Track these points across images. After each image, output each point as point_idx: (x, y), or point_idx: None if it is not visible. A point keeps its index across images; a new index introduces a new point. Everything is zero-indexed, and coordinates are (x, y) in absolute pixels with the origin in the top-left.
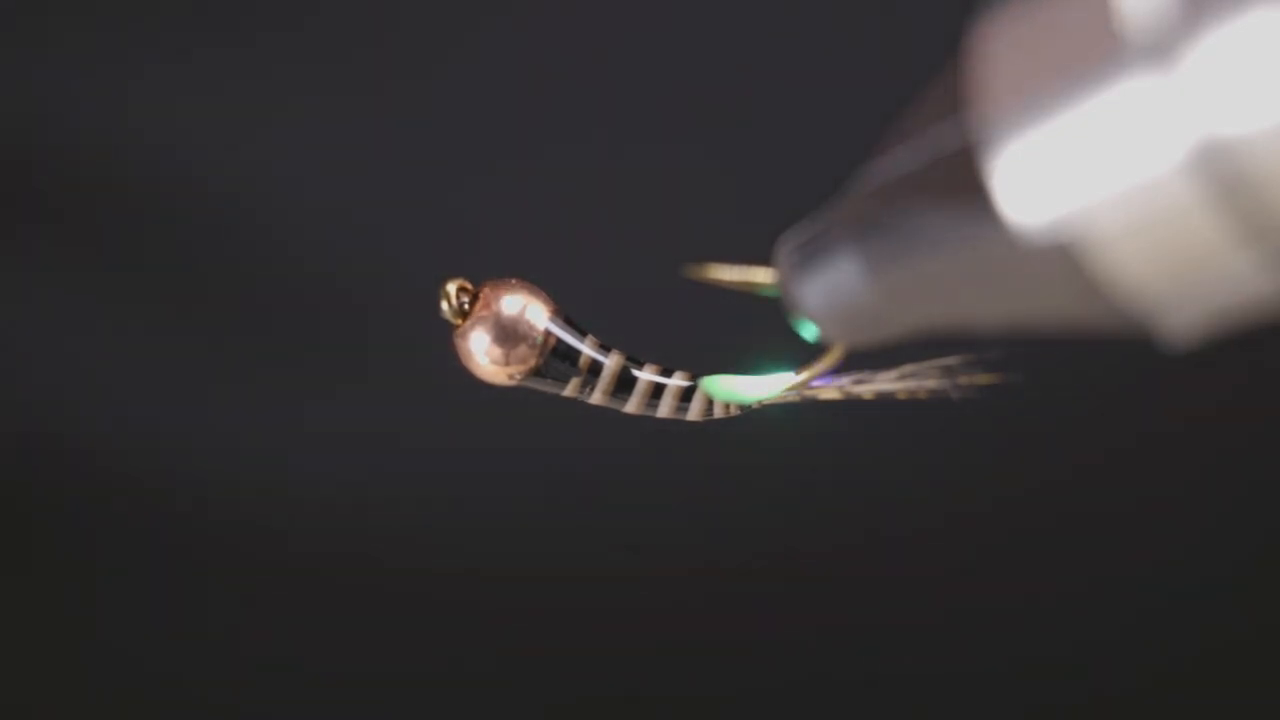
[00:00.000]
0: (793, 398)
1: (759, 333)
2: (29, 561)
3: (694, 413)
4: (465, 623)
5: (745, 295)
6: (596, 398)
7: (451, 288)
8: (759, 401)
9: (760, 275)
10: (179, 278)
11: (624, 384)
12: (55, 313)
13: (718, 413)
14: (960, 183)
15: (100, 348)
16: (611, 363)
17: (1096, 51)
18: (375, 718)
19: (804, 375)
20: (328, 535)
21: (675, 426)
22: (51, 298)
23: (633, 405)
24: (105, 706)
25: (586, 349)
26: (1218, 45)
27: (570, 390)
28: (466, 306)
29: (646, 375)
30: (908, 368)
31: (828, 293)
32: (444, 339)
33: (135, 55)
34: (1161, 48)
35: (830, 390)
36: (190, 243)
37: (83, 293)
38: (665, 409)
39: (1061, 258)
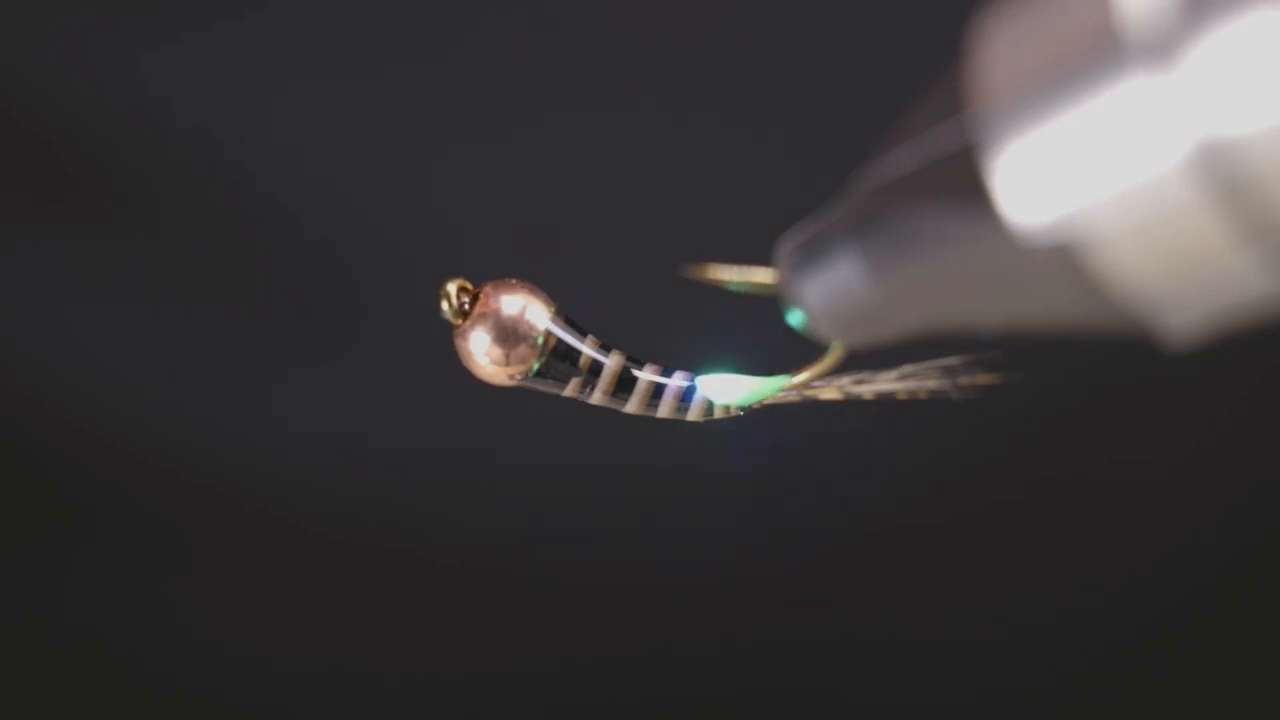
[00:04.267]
0: (793, 398)
1: (759, 333)
2: (15, 540)
3: (694, 413)
4: (461, 618)
5: (745, 295)
6: (596, 398)
7: (451, 287)
8: (759, 401)
9: (760, 275)
10: (175, 251)
11: (624, 384)
12: (46, 284)
13: (718, 413)
14: (960, 183)
15: (95, 330)
16: (611, 363)
17: (1097, 51)
18: (374, 714)
19: (804, 375)
20: (323, 521)
21: (675, 426)
22: (43, 268)
23: (633, 405)
24: (100, 697)
25: (587, 349)
26: (1218, 45)
27: (570, 390)
28: (466, 306)
29: (646, 375)
30: (908, 368)
31: (828, 293)
32: (444, 324)
33: (145, 30)
34: (1161, 48)
35: (830, 390)
36: (185, 215)
37: (78, 266)
38: (665, 409)
39: (1061, 258)
